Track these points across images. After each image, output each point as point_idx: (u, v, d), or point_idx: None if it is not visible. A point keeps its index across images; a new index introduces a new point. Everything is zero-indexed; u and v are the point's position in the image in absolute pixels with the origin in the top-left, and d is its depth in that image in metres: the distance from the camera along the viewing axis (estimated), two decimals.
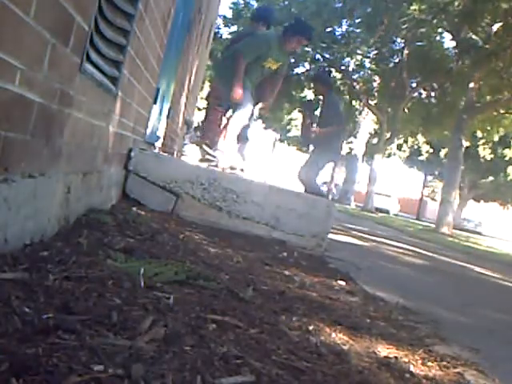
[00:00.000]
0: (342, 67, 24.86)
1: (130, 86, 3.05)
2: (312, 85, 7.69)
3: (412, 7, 18.84)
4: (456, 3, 17.54)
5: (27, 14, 1.36)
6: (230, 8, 25.72)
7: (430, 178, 42.79)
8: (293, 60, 21.61)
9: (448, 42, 24.43)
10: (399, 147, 36.85)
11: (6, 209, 1.44)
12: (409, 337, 2.06)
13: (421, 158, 37.57)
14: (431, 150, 34.99)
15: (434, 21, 19.48)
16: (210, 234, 3.37)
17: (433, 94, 24.20)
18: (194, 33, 5.99)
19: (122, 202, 3.55)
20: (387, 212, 32.50)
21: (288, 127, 37.74)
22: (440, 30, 21.65)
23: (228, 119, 6.10)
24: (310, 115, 7.20)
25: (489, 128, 22.12)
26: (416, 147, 36.92)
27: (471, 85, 18.97)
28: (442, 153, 32.60)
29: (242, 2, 25.50)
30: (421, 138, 32.50)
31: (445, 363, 1.79)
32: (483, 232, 37.49)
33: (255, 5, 23.38)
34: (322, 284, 2.72)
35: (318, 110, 7.33)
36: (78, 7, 1.73)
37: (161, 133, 5.42)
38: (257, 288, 2.11)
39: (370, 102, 25.61)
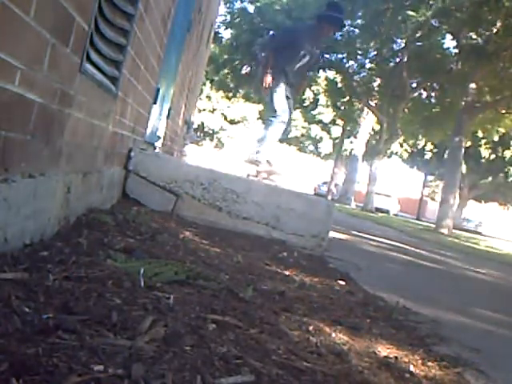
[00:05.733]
0: (343, 68, 24.84)
1: (130, 85, 3.05)
2: None
3: (417, 13, 18.76)
4: (461, 7, 17.48)
5: (27, 14, 1.36)
6: (225, 7, 25.49)
7: (430, 177, 42.78)
8: None
9: (448, 41, 24.43)
10: (401, 145, 36.70)
11: (6, 209, 1.44)
12: (409, 337, 2.06)
13: (425, 157, 37.40)
14: (435, 150, 34.87)
15: (436, 23, 19.46)
16: (210, 234, 3.37)
17: (433, 94, 24.19)
18: (194, 33, 5.99)
19: (122, 202, 3.55)
20: (387, 212, 32.47)
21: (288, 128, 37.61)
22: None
23: None
24: None
25: (489, 126, 22.12)
26: (419, 146, 36.78)
27: (471, 85, 18.97)
28: (447, 152, 32.50)
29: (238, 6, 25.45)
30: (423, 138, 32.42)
31: (445, 363, 1.79)
32: (483, 232, 37.48)
33: (251, 9, 23.33)
34: (322, 284, 2.72)
35: None
36: (77, 7, 1.73)
37: (161, 133, 5.42)
38: (257, 288, 2.11)
39: (370, 102, 25.59)
